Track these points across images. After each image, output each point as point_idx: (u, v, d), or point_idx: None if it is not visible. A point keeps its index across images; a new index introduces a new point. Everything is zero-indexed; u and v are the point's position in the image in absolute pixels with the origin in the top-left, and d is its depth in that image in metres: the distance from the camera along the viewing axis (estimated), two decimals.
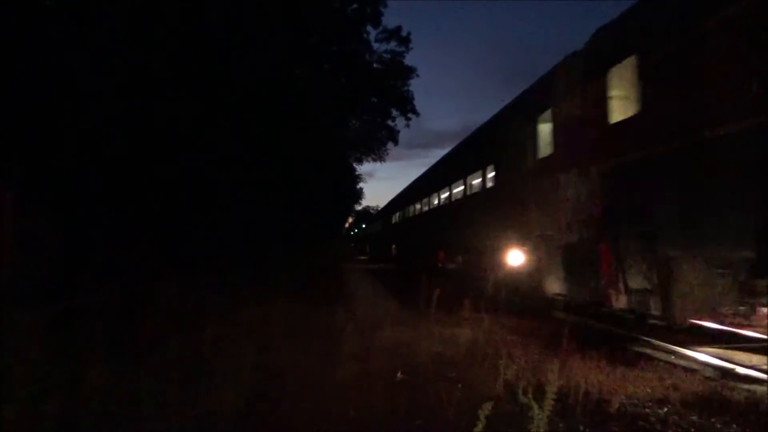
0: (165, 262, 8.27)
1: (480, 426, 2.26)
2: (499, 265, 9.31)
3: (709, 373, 4.91)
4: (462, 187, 13.50)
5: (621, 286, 5.91)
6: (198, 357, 4.66)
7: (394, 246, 29.55)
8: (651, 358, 5.49)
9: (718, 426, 3.54)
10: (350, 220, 69.43)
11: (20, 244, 6.74)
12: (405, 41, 24.43)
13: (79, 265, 7.49)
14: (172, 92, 8.61)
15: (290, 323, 6.16)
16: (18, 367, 3.66)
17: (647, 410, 3.82)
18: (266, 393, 3.96)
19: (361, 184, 46.98)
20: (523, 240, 8.70)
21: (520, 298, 8.69)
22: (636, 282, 5.69)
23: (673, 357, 5.55)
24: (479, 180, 11.73)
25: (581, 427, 3.37)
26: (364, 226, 49.56)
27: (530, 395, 3.01)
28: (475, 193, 12.19)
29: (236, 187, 11.71)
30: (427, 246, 17.73)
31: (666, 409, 3.77)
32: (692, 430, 3.46)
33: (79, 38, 7.15)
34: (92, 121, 7.38)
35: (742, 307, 4.62)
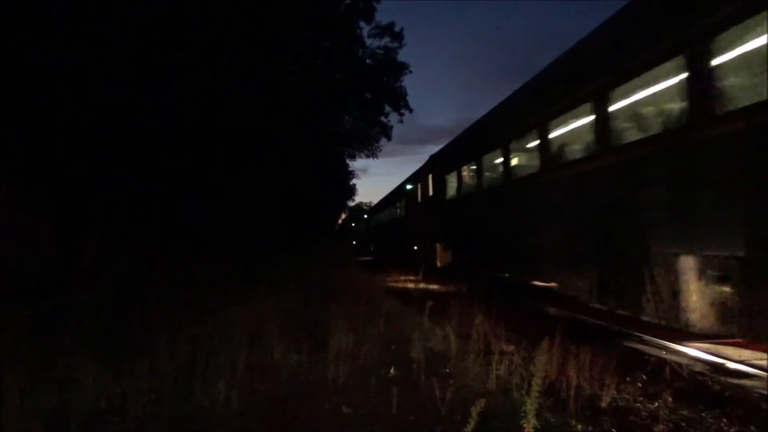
0: (157, 257, 8.22)
1: (472, 423, 2.26)
2: None
3: (699, 367, 4.96)
4: None
5: None
6: (190, 353, 4.62)
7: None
8: (642, 353, 5.53)
9: (709, 421, 3.57)
10: (343, 216, 69.26)
11: (11, 238, 6.66)
12: (398, 37, 24.32)
13: (71, 260, 7.41)
14: (164, 87, 8.53)
15: (282, 320, 6.13)
16: (8, 364, 3.62)
17: (638, 405, 3.85)
18: (259, 390, 3.95)
19: (354, 180, 46.55)
20: None
21: None
22: None
23: (664, 352, 5.59)
24: None
25: (573, 422, 3.39)
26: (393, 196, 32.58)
27: (523, 390, 3.02)
28: None
29: (227, 183, 11.63)
30: None
31: (656, 404, 3.80)
32: (682, 424, 3.49)
33: (70, 30, 7.02)
34: (83, 112, 7.26)
35: None
